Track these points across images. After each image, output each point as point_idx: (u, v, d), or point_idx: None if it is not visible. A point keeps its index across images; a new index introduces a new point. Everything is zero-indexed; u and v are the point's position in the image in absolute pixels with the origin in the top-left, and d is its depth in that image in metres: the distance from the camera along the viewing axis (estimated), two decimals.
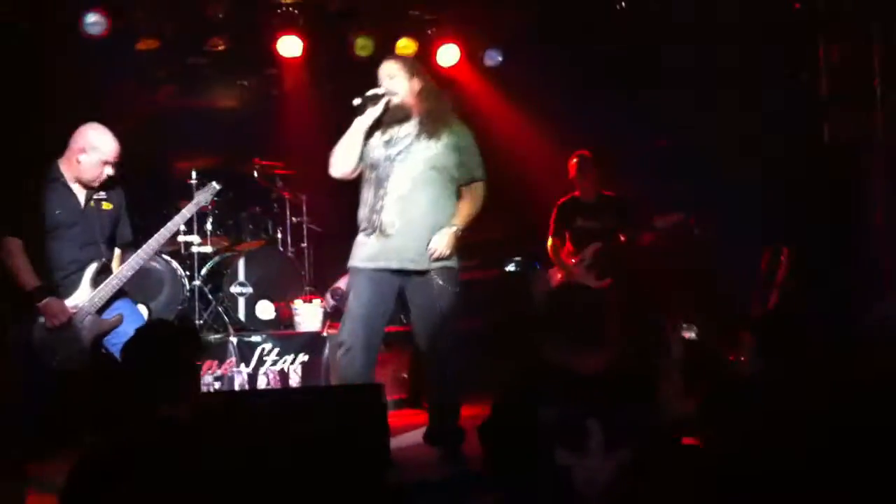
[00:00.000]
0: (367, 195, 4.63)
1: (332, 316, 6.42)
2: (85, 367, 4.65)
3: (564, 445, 2.61)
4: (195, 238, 6.45)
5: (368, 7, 7.11)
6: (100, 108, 7.36)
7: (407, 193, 4.54)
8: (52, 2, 6.44)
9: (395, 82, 4.64)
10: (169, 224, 4.71)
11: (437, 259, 4.57)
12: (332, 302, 6.68)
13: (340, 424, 3.51)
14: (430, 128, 4.63)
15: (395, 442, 4.71)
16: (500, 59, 7.51)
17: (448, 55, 7.40)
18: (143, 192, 6.79)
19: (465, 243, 7.01)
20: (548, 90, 7.27)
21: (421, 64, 4.88)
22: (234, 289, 6.39)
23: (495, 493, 2.94)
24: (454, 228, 4.63)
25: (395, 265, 4.55)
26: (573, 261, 6.27)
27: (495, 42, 7.50)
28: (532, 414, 2.65)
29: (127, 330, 4.57)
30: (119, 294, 4.66)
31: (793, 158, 6.15)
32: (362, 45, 7.06)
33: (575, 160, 6.35)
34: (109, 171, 4.57)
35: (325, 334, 6.10)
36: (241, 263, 6.42)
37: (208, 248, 6.59)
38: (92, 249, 4.59)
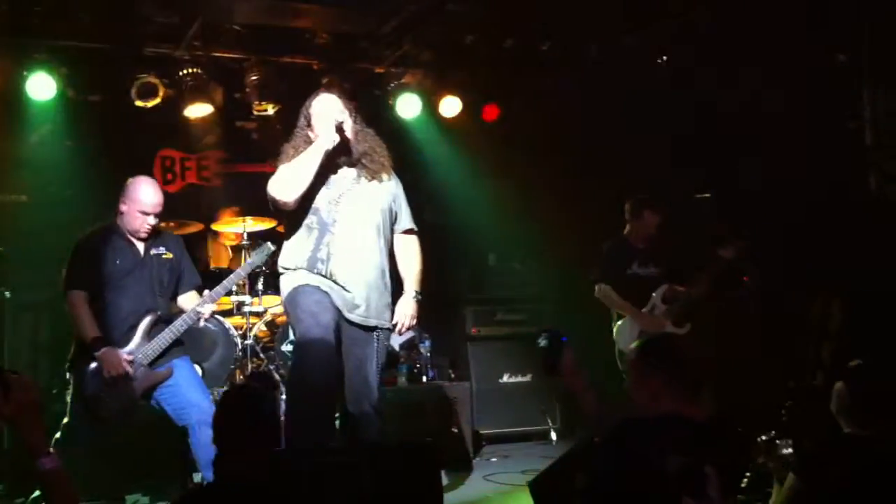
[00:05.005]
0: (305, 239, 4.39)
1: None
2: (133, 419, 4.76)
3: (690, 493, 2.63)
4: (247, 298, 6.57)
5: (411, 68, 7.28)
6: (151, 172, 7.70)
7: (354, 241, 4.36)
8: (107, 72, 6.67)
9: (345, 118, 4.42)
10: (224, 282, 4.85)
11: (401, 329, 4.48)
12: None
13: (393, 484, 3.54)
14: (371, 169, 4.46)
15: (447, 499, 4.73)
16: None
17: (449, 107, 7.41)
18: (193, 255, 6.99)
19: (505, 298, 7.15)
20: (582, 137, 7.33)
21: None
22: (286, 347, 6.47)
23: None
24: (415, 295, 4.53)
25: (344, 312, 4.34)
26: (642, 310, 5.93)
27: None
28: (644, 463, 2.68)
29: (179, 383, 4.70)
30: (176, 348, 4.76)
31: (838, 207, 6.08)
32: (408, 105, 7.19)
33: (632, 202, 6.13)
34: (152, 220, 4.72)
35: None
36: None
37: (260, 308, 6.70)
38: (149, 301, 4.73)
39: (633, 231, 6.14)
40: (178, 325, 4.72)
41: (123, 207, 4.73)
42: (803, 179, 6.07)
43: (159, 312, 4.76)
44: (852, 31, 5.82)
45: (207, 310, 4.76)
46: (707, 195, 6.65)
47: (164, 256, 4.83)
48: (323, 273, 4.32)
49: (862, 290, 5.67)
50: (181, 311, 4.85)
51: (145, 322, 4.69)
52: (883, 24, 5.72)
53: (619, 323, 5.99)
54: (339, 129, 4.34)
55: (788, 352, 5.83)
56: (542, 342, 3.26)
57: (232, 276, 4.96)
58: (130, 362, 4.59)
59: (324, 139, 4.32)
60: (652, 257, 6.07)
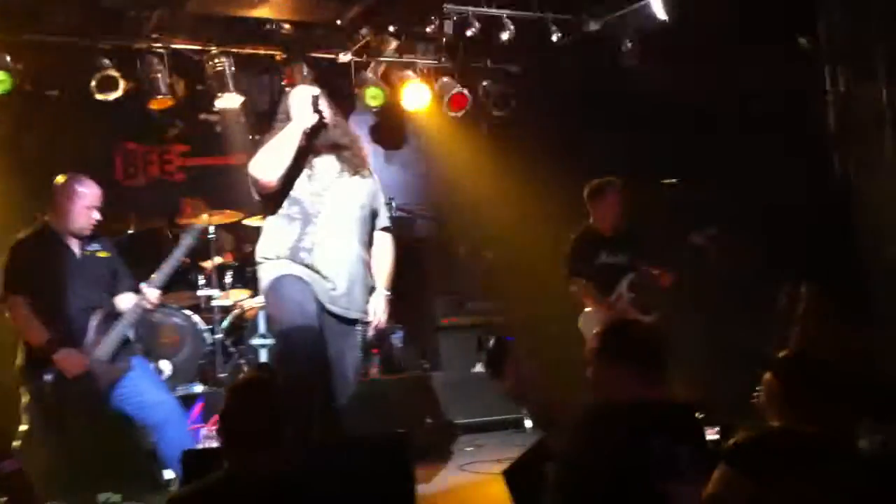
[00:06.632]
0: (286, 229, 4.33)
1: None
2: (100, 417, 4.67)
3: (666, 475, 2.63)
4: (215, 292, 6.49)
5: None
6: (113, 167, 7.59)
7: (338, 234, 4.33)
8: (65, 66, 6.56)
9: (323, 108, 4.37)
10: (162, 266, 4.75)
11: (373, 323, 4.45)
12: None
13: (367, 474, 3.52)
14: (353, 164, 4.45)
15: (422, 489, 4.71)
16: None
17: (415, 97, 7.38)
18: (153, 248, 6.88)
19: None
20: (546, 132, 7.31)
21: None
22: (255, 340, 6.41)
23: None
24: (386, 293, 4.51)
25: (325, 303, 4.29)
26: (609, 299, 5.84)
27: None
28: (614, 449, 2.69)
29: (137, 382, 4.66)
30: (130, 345, 4.74)
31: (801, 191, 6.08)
32: (373, 96, 7.12)
33: (602, 187, 5.98)
34: (96, 215, 4.70)
35: None
36: (262, 315, 6.43)
37: (228, 301, 6.63)
38: (94, 298, 4.68)
39: (598, 216, 6.02)
40: (130, 316, 4.69)
41: (69, 205, 4.65)
42: (773, 167, 6.07)
43: (106, 307, 4.71)
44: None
45: (152, 295, 4.68)
46: (674, 181, 6.62)
47: (98, 255, 4.78)
48: (306, 263, 4.27)
49: (830, 277, 5.68)
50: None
51: (96, 318, 4.63)
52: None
53: (585, 311, 5.95)
54: (315, 105, 4.28)
55: (758, 338, 5.82)
56: (489, 345, 3.23)
57: (170, 259, 4.80)
58: (88, 360, 4.52)
59: (301, 117, 4.28)
60: (620, 245, 5.97)
